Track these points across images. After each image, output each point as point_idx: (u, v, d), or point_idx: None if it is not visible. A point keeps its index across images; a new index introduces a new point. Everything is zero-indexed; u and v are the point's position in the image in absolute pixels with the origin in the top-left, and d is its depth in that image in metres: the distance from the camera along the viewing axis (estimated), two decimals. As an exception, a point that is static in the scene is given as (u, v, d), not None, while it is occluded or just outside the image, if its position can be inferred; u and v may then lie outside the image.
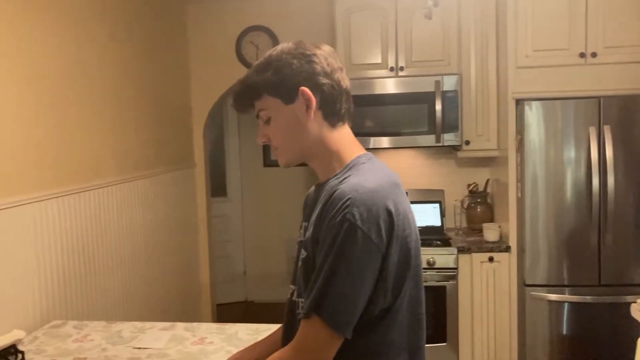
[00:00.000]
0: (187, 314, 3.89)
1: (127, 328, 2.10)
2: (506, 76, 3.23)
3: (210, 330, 2.04)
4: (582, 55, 3.11)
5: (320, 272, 1.10)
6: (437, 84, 3.46)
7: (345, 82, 1.26)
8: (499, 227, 3.47)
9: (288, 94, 1.21)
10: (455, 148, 3.65)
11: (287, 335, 1.31)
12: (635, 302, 2.37)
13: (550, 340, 3.15)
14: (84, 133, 2.61)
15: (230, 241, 5.34)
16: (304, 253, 1.20)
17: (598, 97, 3.02)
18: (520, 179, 3.18)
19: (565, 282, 3.11)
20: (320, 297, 1.08)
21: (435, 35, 3.52)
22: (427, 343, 1.27)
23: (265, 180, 5.32)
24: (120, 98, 2.96)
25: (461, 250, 3.32)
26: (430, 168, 3.91)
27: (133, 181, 3.08)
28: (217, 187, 4.95)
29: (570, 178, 3.07)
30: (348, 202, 1.09)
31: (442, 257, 3.31)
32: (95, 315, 2.62)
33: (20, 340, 1.73)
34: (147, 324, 2.13)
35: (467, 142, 3.55)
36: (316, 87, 1.21)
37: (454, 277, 3.31)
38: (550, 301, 3.12)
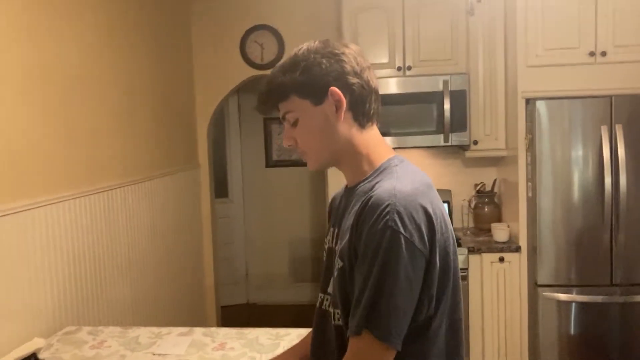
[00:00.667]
0: (194, 316, 3.85)
1: (144, 334, 2.05)
2: (515, 75, 3.21)
3: (230, 336, 2.00)
4: (591, 54, 3.10)
5: (365, 284, 1.05)
6: (445, 83, 3.43)
7: (374, 81, 1.22)
8: (508, 226, 3.45)
9: (317, 95, 1.17)
10: (463, 148, 3.63)
11: (317, 343, 1.27)
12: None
13: (561, 341, 3.13)
14: (92, 135, 2.56)
15: (231, 243, 5.30)
16: (339, 263, 1.15)
17: (609, 96, 3.01)
18: (531, 179, 3.16)
19: (577, 282, 3.09)
20: (369, 312, 1.03)
21: (442, 34, 3.50)
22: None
23: (267, 181, 5.28)
24: (126, 99, 2.92)
25: (471, 251, 3.30)
26: (437, 168, 3.89)
27: (140, 183, 3.03)
28: (219, 188, 4.90)
29: (582, 177, 3.05)
30: (388, 209, 1.04)
31: (453, 257, 3.28)
32: (106, 319, 2.57)
33: (40, 349, 1.68)
34: (164, 329, 2.09)
35: (475, 142, 3.53)
36: (346, 87, 1.17)
37: (465, 278, 3.29)
38: (561, 301, 3.10)
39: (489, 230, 3.56)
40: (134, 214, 2.95)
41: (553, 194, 3.09)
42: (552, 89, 3.13)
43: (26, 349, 1.61)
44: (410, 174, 1.16)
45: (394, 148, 3.56)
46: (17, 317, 1.95)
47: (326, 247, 1.29)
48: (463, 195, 3.86)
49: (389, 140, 3.45)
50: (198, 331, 2.05)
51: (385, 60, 3.54)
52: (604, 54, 3.08)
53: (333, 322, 1.18)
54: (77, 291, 2.35)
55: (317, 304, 1.29)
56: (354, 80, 1.18)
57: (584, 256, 3.09)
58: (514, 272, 3.28)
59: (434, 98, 3.45)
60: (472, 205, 3.80)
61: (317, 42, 1.21)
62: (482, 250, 3.30)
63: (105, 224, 2.63)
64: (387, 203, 1.05)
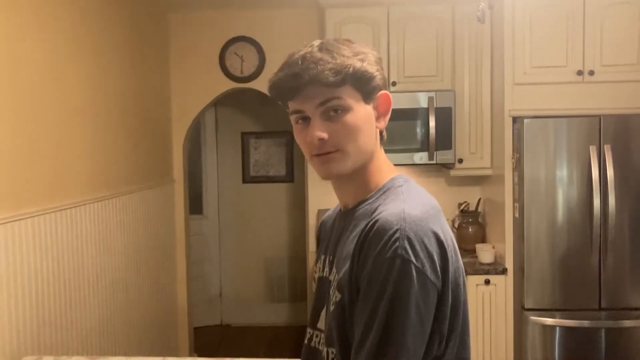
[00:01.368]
0: (165, 338, 3.65)
1: (111, 364, 1.88)
2: (502, 93, 3.14)
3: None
4: (579, 73, 3.05)
5: (371, 321, 0.92)
6: (430, 100, 3.35)
7: None
8: (493, 247, 3.36)
9: (369, 93, 1.05)
10: (447, 166, 3.54)
11: None
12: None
13: (549, 366, 3.03)
14: (58, 148, 2.38)
15: (205, 261, 5.10)
16: (337, 295, 1.01)
17: (598, 116, 2.96)
18: (518, 199, 3.08)
19: (564, 306, 3.01)
20: (376, 353, 0.91)
21: (428, 50, 3.43)
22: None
23: (243, 197, 5.12)
24: (95, 110, 2.75)
25: (456, 273, 3.19)
26: (420, 186, 3.78)
27: (109, 199, 2.85)
28: (194, 204, 4.72)
29: (570, 198, 2.98)
30: (397, 234, 0.92)
31: (437, 279, 3.17)
32: (70, 346, 2.38)
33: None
34: None
35: (460, 160, 3.44)
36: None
37: (449, 301, 3.17)
38: (549, 326, 3.01)
39: (474, 250, 3.46)
40: (103, 232, 2.77)
41: (540, 215, 3.01)
42: (539, 107, 3.07)
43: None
44: (417, 196, 1.04)
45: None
46: (-32, 346, 1.77)
47: (316, 276, 1.15)
48: (446, 214, 3.76)
49: (372, 157, 3.33)
50: (171, 362, 1.89)
51: (369, 75, 3.44)
52: (591, 73, 3.04)
53: None
54: (37, 316, 2.16)
55: (306, 340, 1.15)
56: (389, 90, 1.09)
57: (571, 279, 3.01)
58: (499, 295, 3.18)
59: (419, 115, 3.36)
60: (456, 225, 3.71)
61: (350, 40, 1.08)
62: (467, 272, 3.19)
63: (71, 242, 2.45)
64: (395, 228, 0.93)
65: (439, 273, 0.94)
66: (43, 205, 2.23)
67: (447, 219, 3.71)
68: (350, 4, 3.42)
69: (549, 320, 3.01)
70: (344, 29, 3.44)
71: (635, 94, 3.02)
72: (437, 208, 1.04)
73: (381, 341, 0.90)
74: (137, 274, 3.19)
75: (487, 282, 3.18)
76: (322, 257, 1.15)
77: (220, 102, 4.75)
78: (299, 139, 1.07)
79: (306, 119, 1.04)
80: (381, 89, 1.07)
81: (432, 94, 3.36)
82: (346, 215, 1.10)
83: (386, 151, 1.14)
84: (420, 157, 3.38)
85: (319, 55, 1.01)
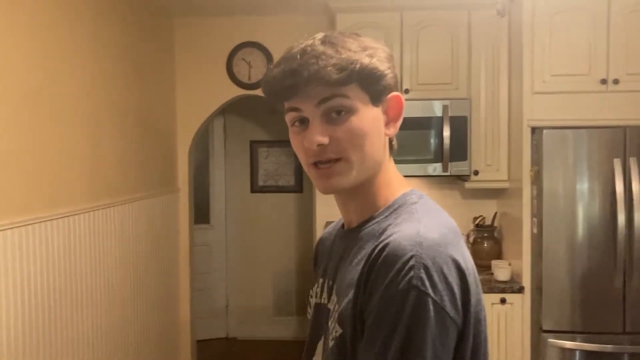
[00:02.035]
0: (164, 351, 3.52)
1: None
2: (520, 102, 2.99)
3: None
4: (603, 81, 2.89)
5: None
6: (445, 108, 3.21)
7: None
8: (509, 264, 3.19)
9: (378, 93, 0.90)
10: (462, 178, 3.39)
11: None
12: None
13: (568, 392, 2.85)
14: (55, 153, 2.27)
15: (211, 272, 4.97)
16: (337, 330, 0.88)
17: (623, 127, 2.79)
18: (537, 214, 2.92)
19: (585, 329, 2.83)
20: None
21: (443, 56, 3.29)
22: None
23: (251, 207, 4.99)
24: (97, 117, 2.64)
25: (470, 290, 3.03)
26: (433, 199, 3.62)
27: (109, 207, 2.74)
28: (200, 213, 4.61)
29: (592, 214, 2.81)
30: (412, 262, 0.78)
31: (450, 297, 3.01)
32: (59, 363, 2.26)
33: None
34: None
35: (476, 172, 3.29)
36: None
37: (463, 320, 3.01)
38: (568, 349, 2.83)
39: (489, 267, 3.30)
40: (101, 242, 2.65)
41: (560, 231, 2.84)
42: (560, 117, 2.91)
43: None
44: (434, 215, 0.90)
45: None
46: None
47: (312, 301, 1.02)
48: (461, 229, 3.51)
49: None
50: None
51: (381, 82, 3.31)
52: (616, 81, 2.87)
53: None
54: (29, 331, 2.04)
55: None
56: (401, 93, 0.94)
57: (593, 300, 2.83)
58: (516, 315, 3.01)
59: (433, 124, 3.22)
60: (471, 240, 3.54)
61: (368, 38, 0.94)
62: (482, 290, 3.02)
63: (66, 254, 2.33)
64: (410, 254, 0.79)
65: (460, 307, 0.81)
66: (36, 214, 2.12)
67: (462, 234, 3.57)
68: (362, 8, 3.30)
69: (568, 344, 2.83)
70: (355, 34, 3.31)
71: (663, 104, 2.85)
72: (457, 230, 0.90)
73: None
74: (136, 287, 3.07)
75: (503, 301, 3.01)
76: (321, 280, 1.01)
77: (229, 110, 4.66)
78: (294, 143, 0.93)
79: (304, 121, 0.90)
80: (392, 90, 0.93)
81: (447, 103, 3.22)
82: (349, 234, 0.96)
83: (397, 162, 0.99)
84: (434, 169, 3.24)
85: (321, 48, 0.88)
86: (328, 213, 3.60)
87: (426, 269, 0.78)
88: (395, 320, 0.77)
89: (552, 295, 2.85)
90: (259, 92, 3.74)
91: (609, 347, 2.80)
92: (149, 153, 3.30)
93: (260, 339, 4.93)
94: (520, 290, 3.00)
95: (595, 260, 2.81)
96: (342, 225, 1.02)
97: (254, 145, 4.96)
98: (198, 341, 4.17)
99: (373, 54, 0.90)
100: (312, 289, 1.03)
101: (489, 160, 3.29)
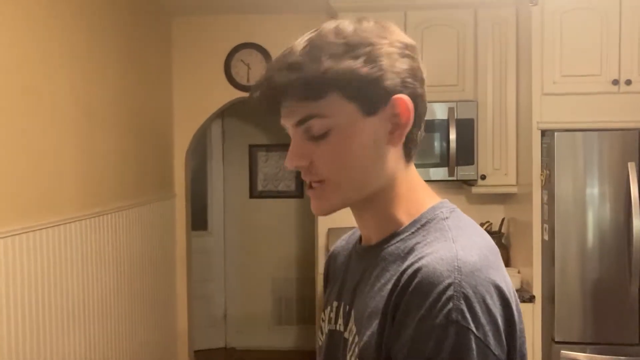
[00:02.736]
0: (161, 366, 3.40)
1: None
2: (529, 104, 2.89)
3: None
4: (615, 82, 2.78)
5: None
6: (451, 110, 3.10)
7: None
8: (519, 272, 3.08)
9: (373, 101, 0.76)
10: (469, 183, 3.28)
11: None
12: None
13: (582, 406, 2.74)
14: (45, 159, 2.16)
15: (209, 280, 4.84)
16: None
17: (637, 129, 2.69)
18: (548, 220, 2.81)
19: (600, 340, 2.72)
20: None
21: (449, 57, 3.18)
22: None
23: (250, 213, 4.87)
24: (90, 120, 2.53)
25: (479, 300, 2.91)
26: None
27: (103, 215, 2.62)
28: (198, 219, 4.49)
29: (606, 220, 2.71)
30: (450, 291, 0.67)
31: (458, 307, 2.90)
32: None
33: None
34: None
35: (483, 177, 3.18)
36: (414, 100, 0.78)
37: (471, 331, 2.90)
38: (582, 361, 2.72)
39: (497, 275, 3.18)
40: (95, 251, 2.54)
41: (572, 238, 2.74)
42: (571, 120, 2.81)
43: None
44: (470, 233, 0.77)
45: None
46: None
47: (325, 327, 0.89)
48: None
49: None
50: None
51: (384, 84, 3.20)
52: (629, 82, 2.77)
53: None
54: (17, 346, 1.92)
55: None
56: (420, 90, 0.79)
57: (608, 310, 2.73)
58: (526, 326, 2.88)
59: (438, 127, 3.12)
60: (477, 246, 3.43)
61: (371, 22, 0.80)
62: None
63: (57, 264, 2.21)
64: (447, 282, 0.68)
65: (504, 343, 0.69)
66: (26, 223, 2.01)
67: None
68: (365, 8, 3.19)
69: (581, 355, 2.72)
70: (358, 34, 3.21)
71: (678, 106, 2.75)
72: (496, 250, 0.79)
73: None
74: (132, 296, 2.95)
75: (513, 310, 2.89)
76: (335, 304, 0.88)
77: (228, 113, 4.55)
78: None
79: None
80: (396, 92, 0.77)
81: (453, 105, 3.11)
82: (369, 252, 0.83)
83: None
84: (440, 173, 3.13)
85: (294, 57, 0.76)
86: (330, 219, 3.49)
87: (467, 299, 0.67)
88: (435, 358, 0.66)
89: (565, 304, 2.74)
90: (258, 94, 3.64)
91: (623, 359, 2.69)
92: (145, 157, 3.18)
93: (260, 349, 4.81)
94: (531, 299, 2.89)
95: (609, 267, 2.71)
96: (360, 239, 0.89)
97: (253, 149, 4.85)
98: (196, 351, 4.05)
99: (366, 53, 0.76)
100: (324, 311, 0.91)
101: (497, 164, 3.19)
